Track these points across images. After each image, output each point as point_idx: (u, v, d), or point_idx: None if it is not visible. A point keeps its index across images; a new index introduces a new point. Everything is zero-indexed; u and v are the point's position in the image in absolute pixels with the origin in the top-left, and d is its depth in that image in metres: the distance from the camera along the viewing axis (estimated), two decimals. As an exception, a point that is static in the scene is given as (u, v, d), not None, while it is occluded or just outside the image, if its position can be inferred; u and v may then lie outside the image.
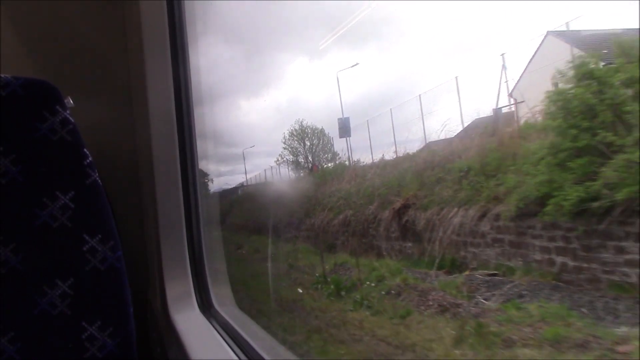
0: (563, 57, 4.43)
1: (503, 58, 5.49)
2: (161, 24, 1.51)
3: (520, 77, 5.37)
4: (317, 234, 6.45)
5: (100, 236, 1.05)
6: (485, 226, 4.65)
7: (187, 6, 1.61)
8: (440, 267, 4.87)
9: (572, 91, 3.76)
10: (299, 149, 9.56)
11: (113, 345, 1.04)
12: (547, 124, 4.13)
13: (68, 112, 1.05)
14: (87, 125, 1.16)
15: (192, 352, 1.11)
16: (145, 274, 1.76)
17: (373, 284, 4.78)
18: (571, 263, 3.74)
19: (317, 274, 5.33)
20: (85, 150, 1.05)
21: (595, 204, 3.39)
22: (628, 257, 3.28)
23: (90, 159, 1.06)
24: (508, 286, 4.00)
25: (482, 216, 4.71)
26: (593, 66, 3.70)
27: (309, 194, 7.04)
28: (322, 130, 8.94)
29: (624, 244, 3.33)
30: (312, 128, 9.03)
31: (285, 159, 9.69)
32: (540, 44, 5.32)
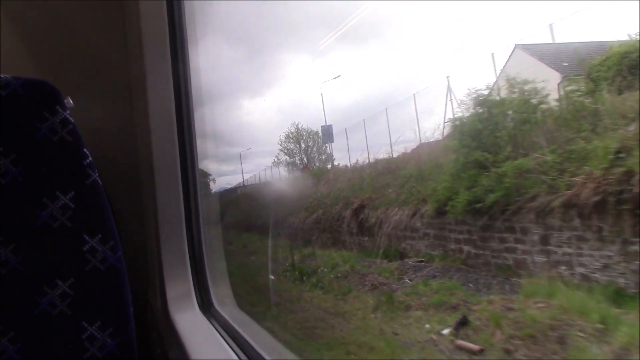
0: (530, 69, 5.19)
1: (448, 80, 6.39)
2: (161, 24, 1.51)
3: (493, 85, 5.84)
4: (295, 231, 7.69)
5: (100, 236, 1.05)
6: (417, 223, 5.99)
7: (187, 6, 1.61)
8: (384, 256, 6.12)
9: (466, 117, 5.05)
10: (294, 151, 10.24)
11: (113, 345, 1.04)
12: (448, 143, 5.40)
13: (68, 112, 1.05)
14: (87, 126, 1.16)
15: (192, 352, 1.11)
16: (146, 274, 1.76)
17: (327, 270, 6.01)
18: (473, 251, 4.97)
19: (287, 264, 6.44)
20: (85, 150, 1.05)
21: (478, 205, 4.61)
22: (507, 245, 4.47)
23: (90, 159, 1.06)
24: (427, 269, 5.26)
25: (414, 215, 6.03)
26: (486, 96, 4.86)
27: (293, 195, 8.20)
28: (317, 133, 9.46)
29: (504, 235, 4.48)
30: (307, 131, 9.60)
31: (281, 160, 10.39)
32: (510, 56, 5.89)
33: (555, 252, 3.94)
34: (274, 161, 10.92)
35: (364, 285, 5.18)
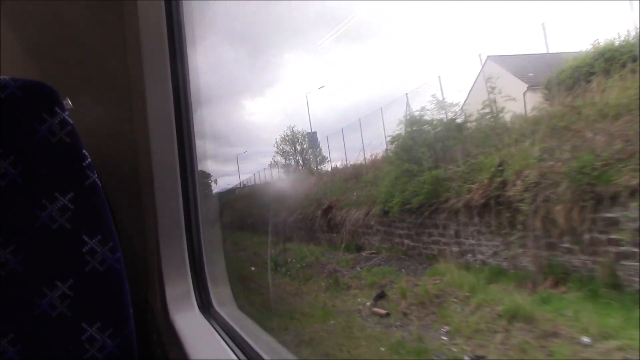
0: (501, 80, 5.91)
1: (407, 96, 7.05)
2: (159, 25, 1.51)
3: (467, 96, 6.53)
4: (278, 229, 8.81)
5: (99, 237, 1.05)
6: (370, 221, 7.17)
7: (185, 7, 1.61)
8: (345, 249, 7.30)
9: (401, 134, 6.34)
10: (290, 153, 10.70)
11: (113, 346, 1.04)
12: (387, 155, 6.93)
13: (67, 113, 1.05)
14: (86, 127, 1.16)
15: (192, 353, 1.11)
16: (145, 275, 1.76)
17: (296, 261, 7.23)
18: (411, 243, 6.13)
19: (266, 257, 7.76)
20: (84, 151, 1.05)
21: (408, 206, 5.89)
22: (433, 238, 5.66)
23: (89, 160, 1.06)
24: (375, 260, 6.34)
25: (367, 214, 7.21)
26: (419, 117, 6.02)
27: (280, 197, 9.29)
28: (312, 134, 9.96)
29: (430, 230, 5.67)
30: (302, 133, 10.10)
31: (277, 161, 10.89)
32: (482, 68, 6.42)
33: (464, 243, 5.30)
34: (270, 163, 11.39)
35: (323, 273, 6.49)
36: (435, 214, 5.59)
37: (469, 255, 5.14)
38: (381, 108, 7.77)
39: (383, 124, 7.82)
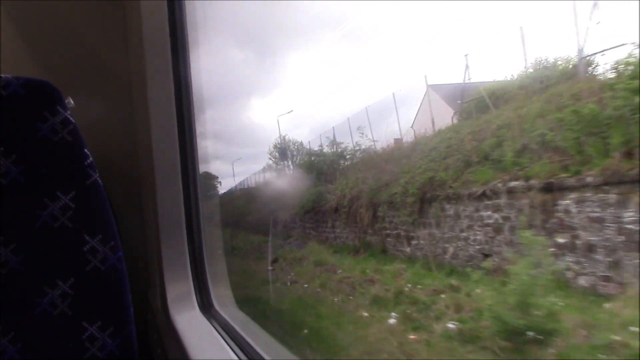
0: (438, 104, 8.10)
1: (349, 120, 9.81)
2: (162, 24, 1.51)
3: (415, 116, 8.87)
4: (257, 227, 11.02)
5: (100, 236, 1.05)
6: (296, 219, 10.72)
7: (188, 6, 1.61)
8: (284, 238, 10.48)
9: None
10: (280, 159, 12.49)
11: (113, 345, 1.04)
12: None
13: (69, 112, 1.05)
14: (88, 126, 1.16)
15: (192, 353, 1.11)
16: (146, 274, 1.76)
17: (246, 245, 10.00)
18: (313, 233, 9.76)
19: (246, 248, 9.97)
20: (85, 150, 1.05)
21: (308, 209, 9.79)
22: (323, 229, 9.27)
23: (90, 159, 1.06)
24: (294, 243, 9.62)
25: (295, 214, 10.56)
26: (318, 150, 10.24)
27: (265, 199, 11.53)
28: (301, 143, 11.81)
29: (322, 224, 9.24)
30: (293, 142, 11.91)
31: (270, 166, 12.77)
32: (425, 94, 8.45)
33: (335, 232, 8.99)
34: (264, 167, 13.19)
35: (259, 252, 9.38)
36: (322, 214, 9.39)
37: (332, 237, 9.08)
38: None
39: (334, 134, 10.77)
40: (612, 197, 4.11)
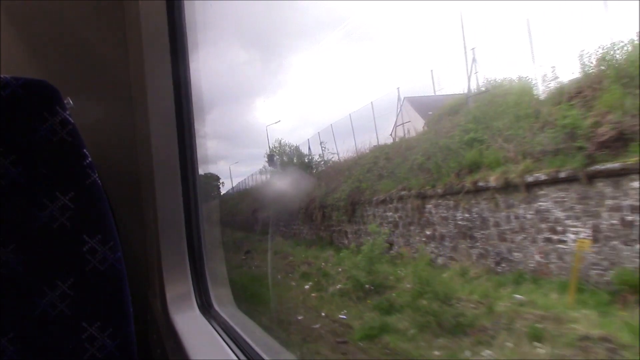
0: (412, 114, 9.35)
1: (319, 134, 11.51)
2: (161, 25, 1.51)
3: (394, 125, 9.89)
4: (242, 225, 12.73)
5: (100, 237, 1.04)
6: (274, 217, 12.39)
7: (187, 6, 1.61)
8: (259, 234, 12.04)
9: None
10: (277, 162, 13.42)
11: (113, 346, 1.04)
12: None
13: (68, 112, 1.05)
14: (87, 126, 1.16)
15: (192, 353, 1.11)
16: (145, 275, 1.76)
17: (230, 241, 10.69)
18: (284, 230, 11.77)
19: (230, 242, 10.77)
20: (85, 150, 1.05)
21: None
22: (292, 227, 11.57)
23: (89, 159, 1.06)
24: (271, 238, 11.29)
25: (268, 214, 12.13)
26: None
27: (254, 200, 13.19)
28: (297, 147, 12.51)
29: (292, 222, 11.49)
30: (289, 146, 12.77)
31: (266, 168, 13.79)
32: (402, 104, 9.72)
33: (300, 229, 10.97)
34: (260, 170, 14.40)
35: (242, 246, 10.67)
36: (289, 214, 10.97)
37: (297, 233, 11.01)
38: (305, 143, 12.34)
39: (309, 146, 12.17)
40: (450, 203, 6.49)
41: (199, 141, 1.66)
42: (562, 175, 4.73)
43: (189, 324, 1.35)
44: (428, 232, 6.93)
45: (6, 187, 1.00)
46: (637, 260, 4.05)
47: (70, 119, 1.04)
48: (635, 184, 3.98)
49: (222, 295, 1.64)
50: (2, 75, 1.02)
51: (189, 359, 1.09)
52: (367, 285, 6.05)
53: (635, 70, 4.26)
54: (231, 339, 1.25)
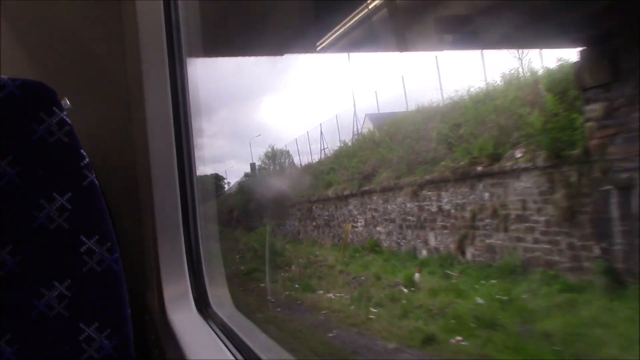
0: (370, 126, 11.13)
1: (297, 142, 13.61)
2: (158, 25, 1.51)
3: (352, 139, 11.70)
4: (222, 221, 13.50)
5: (97, 237, 1.04)
6: (251, 214, 13.76)
7: (183, 6, 1.61)
8: (237, 229, 13.32)
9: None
10: (270, 165, 15.10)
11: (110, 346, 1.04)
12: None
13: (65, 113, 1.05)
14: (84, 127, 1.16)
15: (189, 353, 1.11)
16: (143, 275, 1.76)
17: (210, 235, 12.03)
18: (251, 224, 13.00)
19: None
20: (82, 151, 1.05)
21: (247, 209, 13.90)
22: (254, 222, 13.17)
23: (87, 160, 1.06)
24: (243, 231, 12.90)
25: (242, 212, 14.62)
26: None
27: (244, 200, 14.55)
28: (288, 152, 14.32)
29: (252, 219, 13.15)
30: (281, 151, 14.33)
31: (260, 171, 15.48)
32: (364, 120, 11.47)
33: (255, 222, 12.61)
34: (246, 173, 16.43)
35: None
36: (249, 213, 13.17)
37: (254, 224, 12.52)
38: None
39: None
40: (321, 205, 10.91)
41: (196, 140, 1.66)
42: (353, 192, 9.53)
43: (187, 324, 1.35)
44: (313, 223, 11.33)
45: (3, 188, 1.00)
46: (396, 236, 8.43)
47: (67, 119, 1.04)
48: (375, 198, 9.00)
49: (220, 296, 1.65)
50: None
51: (187, 359, 1.09)
52: (259, 252, 9.76)
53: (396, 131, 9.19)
54: (229, 339, 1.25)
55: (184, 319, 1.39)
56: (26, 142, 1.02)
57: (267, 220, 12.31)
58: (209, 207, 1.95)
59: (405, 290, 6.08)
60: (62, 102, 1.06)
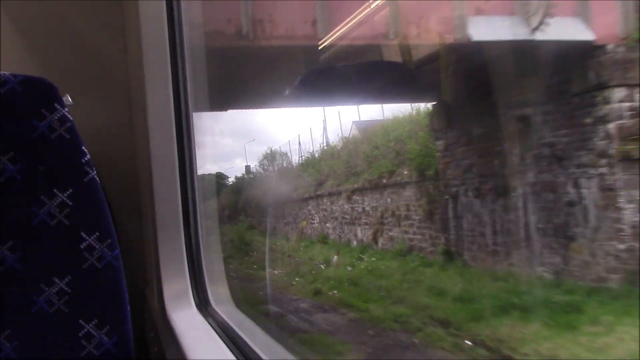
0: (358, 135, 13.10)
1: (299, 136, 15.49)
2: (160, 23, 1.51)
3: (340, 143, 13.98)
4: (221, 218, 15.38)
5: (97, 234, 1.04)
6: (239, 212, 16.63)
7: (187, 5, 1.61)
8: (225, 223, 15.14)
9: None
10: (269, 166, 16.75)
11: (110, 343, 1.04)
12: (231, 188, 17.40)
13: (66, 109, 1.05)
14: (86, 123, 1.16)
15: (189, 351, 1.11)
16: (143, 272, 1.76)
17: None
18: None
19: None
20: (83, 147, 1.05)
21: (233, 208, 16.35)
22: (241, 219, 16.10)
23: (88, 156, 1.06)
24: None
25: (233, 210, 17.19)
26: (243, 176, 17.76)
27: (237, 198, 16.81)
28: (285, 153, 15.92)
29: (239, 216, 15.80)
30: (279, 153, 16.11)
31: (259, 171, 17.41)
32: (351, 127, 13.33)
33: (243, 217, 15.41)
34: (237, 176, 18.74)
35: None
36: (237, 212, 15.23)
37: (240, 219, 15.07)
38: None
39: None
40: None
41: (197, 138, 1.66)
42: (311, 195, 12.50)
43: (186, 321, 1.35)
44: (284, 220, 13.86)
45: (4, 184, 1.00)
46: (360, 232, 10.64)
47: (68, 116, 1.04)
48: (325, 200, 12.09)
49: (220, 293, 1.65)
50: (0, 72, 1.02)
51: (186, 357, 1.09)
52: (235, 243, 11.65)
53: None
54: (228, 336, 1.25)
55: (184, 317, 1.39)
56: (27, 138, 1.02)
57: (243, 217, 14.93)
58: (210, 204, 1.95)
59: (322, 267, 9.60)
60: (64, 98, 1.06)
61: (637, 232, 5.20)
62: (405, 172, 9.21)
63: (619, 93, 5.65)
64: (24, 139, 1.02)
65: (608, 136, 5.71)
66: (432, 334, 5.51)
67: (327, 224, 11.98)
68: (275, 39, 5.63)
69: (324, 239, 11.73)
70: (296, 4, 5.77)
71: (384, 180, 9.72)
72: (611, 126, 5.68)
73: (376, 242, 10.06)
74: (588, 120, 5.91)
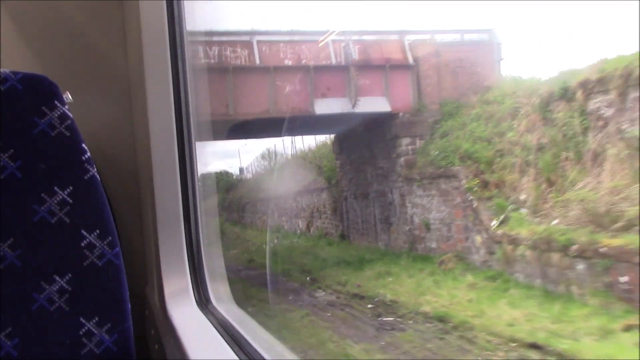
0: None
1: (275, 146, 20.67)
2: (160, 23, 1.51)
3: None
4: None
5: (98, 232, 1.04)
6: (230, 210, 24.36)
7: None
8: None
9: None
10: (266, 165, 19.81)
11: (110, 341, 1.04)
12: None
13: (67, 107, 1.04)
14: (86, 121, 1.16)
15: (189, 349, 1.11)
16: (143, 270, 1.76)
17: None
18: (226, 215, 23.55)
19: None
20: (83, 145, 1.05)
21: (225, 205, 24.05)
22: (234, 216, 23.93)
23: (88, 154, 1.05)
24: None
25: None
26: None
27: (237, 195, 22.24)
28: (282, 154, 19.49)
29: (230, 213, 23.73)
30: (276, 152, 19.60)
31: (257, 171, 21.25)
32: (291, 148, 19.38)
33: (244, 217, 22.38)
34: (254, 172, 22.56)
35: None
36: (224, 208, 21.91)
37: (236, 219, 22.32)
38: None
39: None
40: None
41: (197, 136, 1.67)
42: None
43: (187, 319, 1.35)
44: (257, 215, 18.79)
45: (4, 182, 1.00)
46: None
47: (69, 113, 1.04)
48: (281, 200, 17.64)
49: (220, 291, 1.65)
50: (0, 70, 1.02)
51: (187, 354, 1.09)
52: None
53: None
54: (229, 334, 1.25)
55: (184, 314, 1.39)
56: (27, 135, 1.01)
57: (221, 212, 17.80)
58: (210, 202, 1.95)
59: (264, 247, 14.79)
60: (64, 95, 1.06)
61: (415, 222, 11.42)
62: (324, 180, 15.42)
63: (405, 140, 11.77)
64: (24, 136, 1.02)
65: (401, 165, 11.76)
66: (297, 277, 11.23)
67: (283, 218, 17.37)
68: (241, 115, 11.78)
69: (279, 229, 16.90)
70: (252, 96, 11.83)
71: (314, 186, 15.93)
72: (402, 159, 11.75)
73: (309, 230, 16.14)
74: (394, 155, 12.02)
